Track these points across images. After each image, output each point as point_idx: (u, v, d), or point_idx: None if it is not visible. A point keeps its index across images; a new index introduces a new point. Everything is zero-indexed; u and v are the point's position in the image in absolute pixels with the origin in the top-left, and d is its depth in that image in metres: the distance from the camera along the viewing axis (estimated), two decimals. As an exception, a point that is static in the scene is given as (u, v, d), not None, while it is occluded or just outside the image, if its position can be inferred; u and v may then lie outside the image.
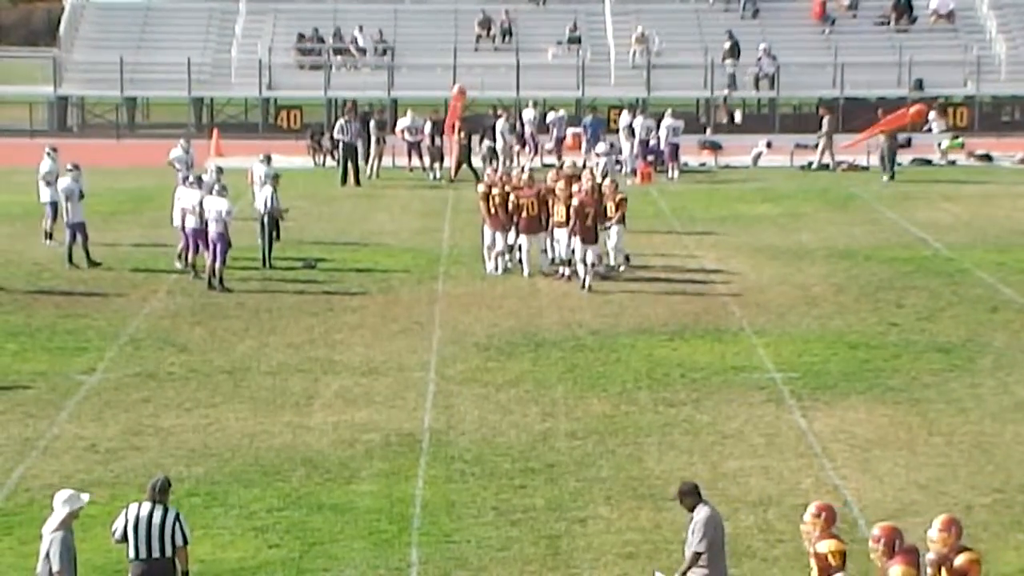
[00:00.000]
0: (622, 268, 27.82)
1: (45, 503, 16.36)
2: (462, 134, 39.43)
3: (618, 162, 41.64)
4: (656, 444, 18.48)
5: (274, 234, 28.72)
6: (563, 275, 27.20)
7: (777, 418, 19.53)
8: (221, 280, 26.35)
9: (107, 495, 16.19)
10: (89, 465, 17.64)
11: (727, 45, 49.73)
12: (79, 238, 28.11)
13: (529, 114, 43.16)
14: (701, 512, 13.11)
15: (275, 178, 29.48)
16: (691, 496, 13.21)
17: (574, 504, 16.46)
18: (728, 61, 49.60)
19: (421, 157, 40.88)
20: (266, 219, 28.38)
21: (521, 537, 15.53)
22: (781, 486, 17.06)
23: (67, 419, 19.37)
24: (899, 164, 42.63)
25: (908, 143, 44.21)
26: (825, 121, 42.86)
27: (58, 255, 28.55)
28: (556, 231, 27.32)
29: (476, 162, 39.20)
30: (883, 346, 22.98)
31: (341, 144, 39.25)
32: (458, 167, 39.41)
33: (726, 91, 49.38)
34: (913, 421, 19.38)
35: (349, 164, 38.83)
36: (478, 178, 38.78)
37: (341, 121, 39.71)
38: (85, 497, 12.94)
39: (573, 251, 26.92)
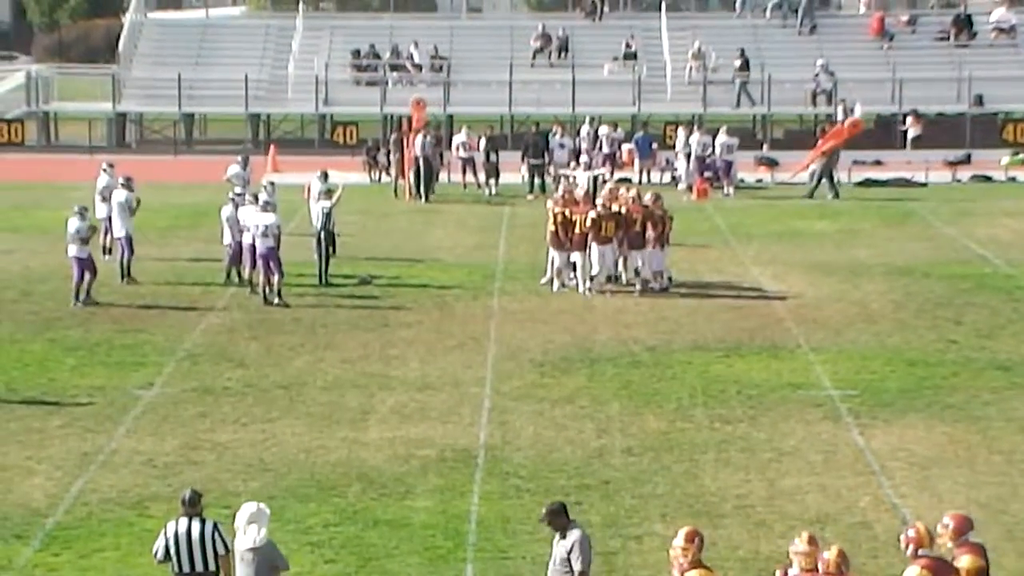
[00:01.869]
0: (653, 286, 27.62)
1: (104, 517, 16.49)
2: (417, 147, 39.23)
3: (673, 178, 41.68)
4: (712, 461, 18.39)
5: (331, 250, 28.80)
6: (611, 291, 27.24)
7: (835, 436, 19.40)
8: (279, 294, 26.43)
9: (164, 509, 16.22)
10: (147, 479, 17.72)
11: (737, 63, 49.50)
12: (126, 252, 28.31)
13: (586, 130, 43.09)
14: (576, 533, 12.88)
15: (328, 193, 29.58)
16: (561, 517, 12.95)
17: (630, 521, 16.40)
18: (738, 77, 49.32)
19: (476, 173, 40.92)
20: (322, 235, 28.46)
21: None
22: (839, 504, 16.93)
23: (125, 434, 19.48)
24: (957, 180, 42.43)
25: (968, 159, 43.91)
26: None
27: (116, 270, 28.70)
28: (603, 247, 27.25)
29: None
30: (942, 363, 22.79)
31: (421, 160, 39.05)
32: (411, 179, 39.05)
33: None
34: (973, 439, 19.20)
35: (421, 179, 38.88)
36: (431, 191, 38.77)
37: (421, 137, 39.49)
38: (263, 506, 12.94)
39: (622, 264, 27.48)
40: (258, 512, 12.74)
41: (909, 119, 46.59)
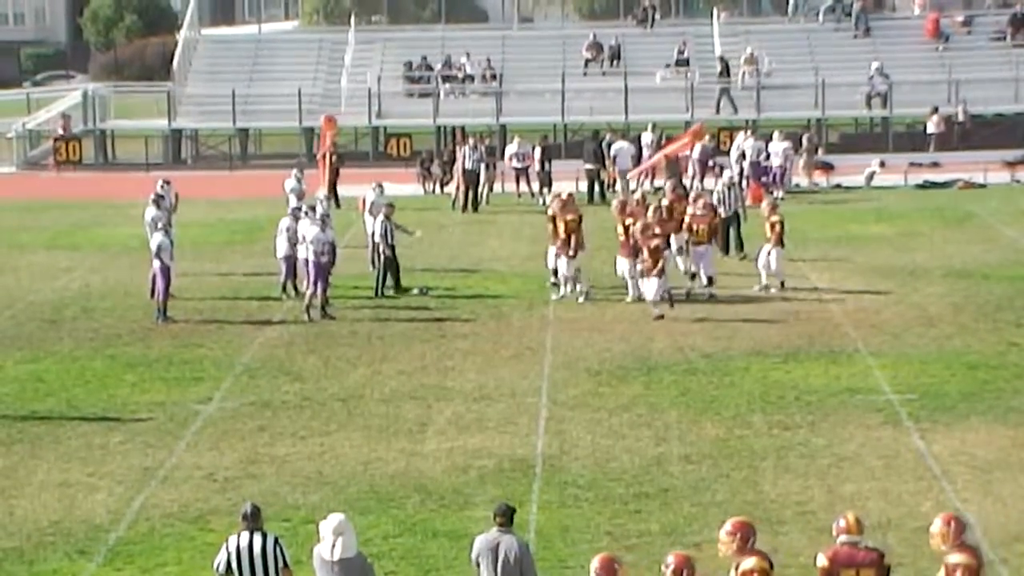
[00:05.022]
0: (772, 290, 27.89)
1: (165, 532, 16.58)
2: (333, 159, 39.12)
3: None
4: (771, 468, 18.30)
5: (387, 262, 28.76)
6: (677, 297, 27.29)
7: (895, 440, 19.26)
8: (308, 309, 26.33)
9: (225, 523, 16.30)
10: (207, 494, 17.80)
11: (718, 69, 49.27)
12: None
13: (647, 137, 42.90)
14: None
15: (389, 207, 29.54)
16: (493, 519, 13.06)
17: (689, 529, 16.33)
18: (719, 81, 49.07)
19: (529, 183, 40.92)
20: (380, 247, 28.48)
21: (636, 562, 15.41)
22: (900, 509, 16.80)
23: (185, 449, 19.59)
24: (1017, 181, 42.00)
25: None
26: (804, 138, 42.62)
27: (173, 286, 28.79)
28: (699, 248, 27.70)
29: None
30: (1004, 366, 22.57)
31: (464, 171, 39.21)
32: (332, 191, 38.79)
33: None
34: (1036, 442, 19.01)
35: (470, 191, 39.00)
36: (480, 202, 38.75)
37: (467, 148, 39.65)
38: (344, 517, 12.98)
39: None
40: (345, 523, 12.70)
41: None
